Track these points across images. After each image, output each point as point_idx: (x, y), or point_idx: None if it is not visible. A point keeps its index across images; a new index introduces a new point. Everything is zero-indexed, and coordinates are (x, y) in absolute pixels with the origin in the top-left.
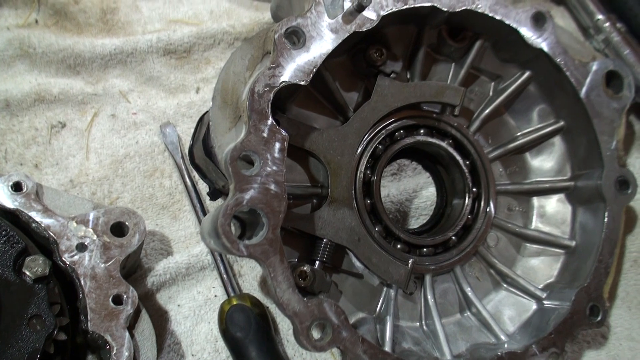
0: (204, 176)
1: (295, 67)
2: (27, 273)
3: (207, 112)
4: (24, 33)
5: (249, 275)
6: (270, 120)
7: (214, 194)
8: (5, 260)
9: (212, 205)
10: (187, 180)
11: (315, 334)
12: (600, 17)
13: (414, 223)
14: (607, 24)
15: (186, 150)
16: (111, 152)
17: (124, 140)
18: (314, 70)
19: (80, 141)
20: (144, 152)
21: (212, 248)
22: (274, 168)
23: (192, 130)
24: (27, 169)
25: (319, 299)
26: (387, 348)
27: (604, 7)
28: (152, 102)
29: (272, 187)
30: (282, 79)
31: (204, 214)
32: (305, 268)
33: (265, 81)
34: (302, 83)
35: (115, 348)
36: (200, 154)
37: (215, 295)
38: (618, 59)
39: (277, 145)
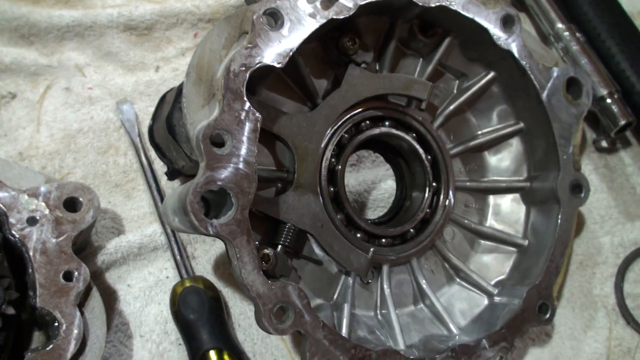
0: (163, 155)
1: (271, 49)
2: None
3: (169, 90)
4: None
5: (203, 258)
6: (244, 100)
7: (172, 174)
8: None
9: (167, 185)
10: (144, 158)
11: (276, 318)
12: (560, 25)
13: (371, 214)
14: (566, 33)
15: (143, 129)
16: (64, 126)
17: (77, 114)
18: (291, 53)
19: (31, 113)
20: (98, 128)
21: (175, 226)
22: (246, 148)
23: (150, 109)
24: None
25: (282, 282)
26: (344, 335)
27: (564, 16)
28: (109, 78)
29: (243, 167)
30: (259, 59)
31: (160, 193)
32: (267, 251)
33: (241, 60)
34: (278, 65)
35: (64, 325)
36: (162, 133)
37: (167, 277)
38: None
39: (250, 125)
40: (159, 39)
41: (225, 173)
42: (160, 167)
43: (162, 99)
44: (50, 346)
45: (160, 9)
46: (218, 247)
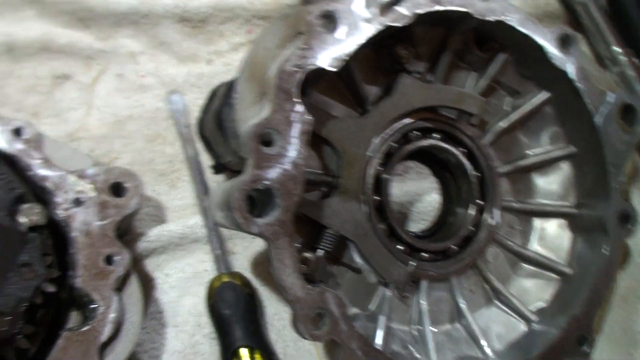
0: (210, 149)
1: (326, 52)
2: (23, 220)
3: (220, 85)
4: None
5: (242, 254)
6: (296, 101)
7: (218, 168)
8: (1, 204)
9: (212, 179)
10: (190, 150)
11: (312, 323)
12: (617, 49)
13: (413, 227)
14: (623, 57)
15: (192, 120)
16: (114, 112)
17: (128, 101)
18: (346, 58)
19: (84, 96)
20: (148, 116)
21: (219, 221)
22: (295, 150)
23: (200, 101)
24: (25, 115)
25: (321, 287)
26: (379, 347)
27: (622, 40)
28: (162, 67)
29: (291, 168)
30: (313, 61)
31: (204, 186)
32: (308, 255)
33: (295, 61)
34: (333, 69)
35: (101, 308)
36: (211, 126)
37: (205, 270)
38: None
39: (301, 127)
40: (212, 32)
41: (272, 173)
42: (206, 159)
43: (213, 93)
44: (86, 327)
45: (216, 3)
46: (258, 244)
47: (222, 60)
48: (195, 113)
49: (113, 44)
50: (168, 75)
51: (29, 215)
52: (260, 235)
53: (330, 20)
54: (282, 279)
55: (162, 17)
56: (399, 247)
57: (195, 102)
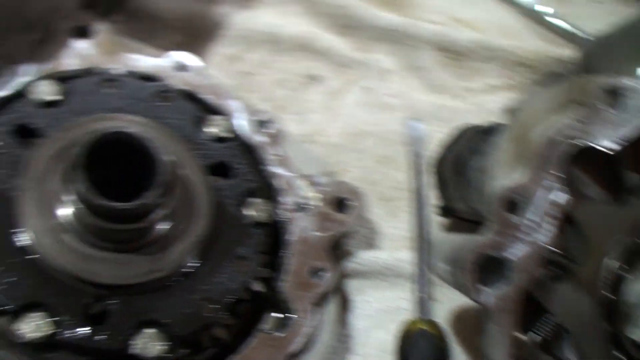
0: (442, 189)
1: (605, 130)
2: (249, 214)
3: (470, 126)
4: None
5: (444, 304)
6: (559, 176)
7: (445, 211)
8: (233, 193)
9: (435, 219)
10: (419, 183)
11: None
12: None
13: (633, 332)
14: None
15: (426, 152)
16: (354, 123)
17: (370, 116)
18: (625, 142)
19: (329, 101)
20: (384, 137)
21: (439, 273)
22: (544, 227)
23: (439, 134)
24: (271, 107)
25: None
26: None
27: None
28: (409, 90)
29: (534, 245)
30: (589, 138)
31: (425, 224)
32: (523, 337)
33: (568, 133)
34: (608, 152)
35: (298, 319)
36: (449, 167)
37: (403, 308)
38: None
39: (556, 204)
40: (469, 68)
41: (513, 244)
42: (433, 196)
43: (462, 133)
44: (280, 334)
45: (479, 39)
46: (463, 299)
47: (473, 99)
48: (431, 145)
49: (368, 57)
50: (414, 100)
51: (256, 211)
52: (482, 305)
53: (614, 97)
54: (492, 357)
55: (422, 41)
56: (617, 354)
57: (435, 135)
